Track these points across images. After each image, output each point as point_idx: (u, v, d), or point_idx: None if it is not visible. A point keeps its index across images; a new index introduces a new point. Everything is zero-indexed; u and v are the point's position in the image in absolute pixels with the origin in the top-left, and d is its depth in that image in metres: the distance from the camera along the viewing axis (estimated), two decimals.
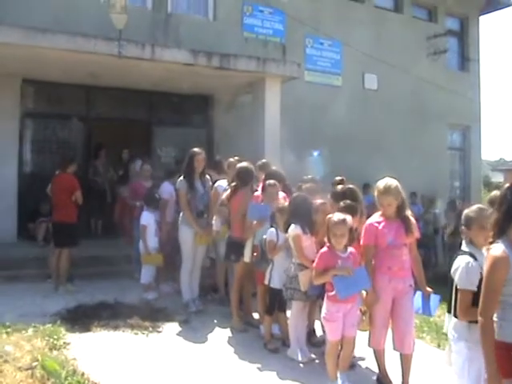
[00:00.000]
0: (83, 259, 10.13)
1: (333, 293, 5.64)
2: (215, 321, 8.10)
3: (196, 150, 8.69)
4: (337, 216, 5.78)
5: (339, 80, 16.64)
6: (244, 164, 8.14)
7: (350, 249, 5.84)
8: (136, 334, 7.34)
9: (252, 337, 7.49)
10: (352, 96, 16.47)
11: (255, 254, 7.37)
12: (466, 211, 4.60)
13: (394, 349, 5.91)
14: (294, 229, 6.61)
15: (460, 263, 4.34)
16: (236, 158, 9.11)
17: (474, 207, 4.60)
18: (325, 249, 5.83)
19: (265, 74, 12.27)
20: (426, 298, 5.82)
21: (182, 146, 13.07)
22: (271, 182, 7.54)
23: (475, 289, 4.14)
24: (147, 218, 9.39)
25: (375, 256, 5.86)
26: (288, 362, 6.57)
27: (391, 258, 5.77)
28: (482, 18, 20.46)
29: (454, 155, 19.90)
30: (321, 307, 6.14)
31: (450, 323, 4.60)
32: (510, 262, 3.60)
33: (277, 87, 12.67)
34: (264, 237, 7.15)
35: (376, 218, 5.95)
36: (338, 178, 8.56)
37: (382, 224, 5.83)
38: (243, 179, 7.94)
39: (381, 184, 5.91)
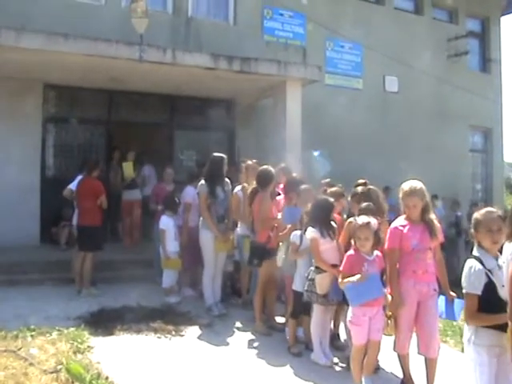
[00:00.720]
0: (105, 263, 10.16)
1: None
2: (238, 325, 8.13)
3: (221, 155, 8.74)
4: (361, 219, 5.77)
5: (360, 83, 16.59)
6: (264, 167, 8.16)
7: (376, 252, 5.83)
8: (159, 337, 7.36)
9: (275, 340, 7.48)
10: (373, 99, 16.45)
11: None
12: (474, 214, 4.56)
13: (419, 353, 5.86)
14: (311, 232, 6.65)
15: (466, 267, 4.36)
16: (254, 160, 9.14)
17: (483, 210, 4.54)
18: (351, 252, 5.82)
19: (286, 77, 12.25)
20: (449, 303, 5.78)
21: (203, 149, 13.12)
22: (306, 186, 7.61)
23: (479, 293, 4.20)
24: (166, 222, 9.41)
25: (400, 260, 5.81)
26: (311, 366, 6.56)
27: (416, 262, 5.73)
28: (504, 19, 20.31)
29: (475, 157, 19.70)
30: (346, 311, 6.14)
31: None
32: None
33: (298, 90, 12.64)
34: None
35: (400, 221, 5.91)
36: (361, 181, 8.56)
37: (407, 227, 5.79)
38: (263, 182, 7.97)
39: (406, 185, 5.88)
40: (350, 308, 5.75)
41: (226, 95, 14.09)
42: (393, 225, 5.93)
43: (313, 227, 6.66)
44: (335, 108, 15.22)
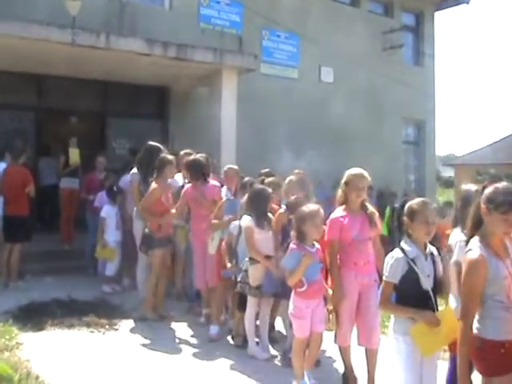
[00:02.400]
0: (34, 254, 9.78)
1: (302, 289, 5.42)
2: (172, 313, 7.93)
3: (158, 144, 8.61)
4: (310, 206, 5.56)
5: (295, 73, 16.51)
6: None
7: (317, 245, 5.65)
8: (92, 332, 7.10)
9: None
10: (308, 89, 16.39)
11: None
12: (409, 203, 4.48)
13: (359, 344, 5.77)
14: (246, 220, 6.50)
15: (389, 255, 4.36)
16: (187, 151, 8.96)
17: (418, 200, 4.45)
18: (293, 245, 5.54)
19: (222, 65, 12.07)
20: None
21: (136, 137, 12.80)
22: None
23: (395, 281, 4.23)
24: (107, 211, 9.22)
25: (340, 251, 5.69)
26: (250, 360, 6.40)
27: (357, 253, 5.62)
28: (438, 14, 20.62)
29: (408, 149, 19.99)
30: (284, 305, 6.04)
31: None
32: (488, 263, 3.54)
33: (233, 79, 12.51)
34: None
35: (339, 212, 5.77)
36: (264, 171, 8.57)
37: (347, 218, 5.66)
38: (158, 169, 7.89)
39: (355, 170, 5.75)
40: (292, 300, 5.57)
41: (160, 82, 13.81)
42: (332, 216, 5.79)
43: (249, 216, 6.51)
44: (271, 98, 15.22)
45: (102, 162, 11.02)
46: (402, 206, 4.55)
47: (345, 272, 5.63)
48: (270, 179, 7.73)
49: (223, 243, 7.10)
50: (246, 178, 7.80)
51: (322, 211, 5.50)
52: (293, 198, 6.43)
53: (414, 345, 4.13)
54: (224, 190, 8.22)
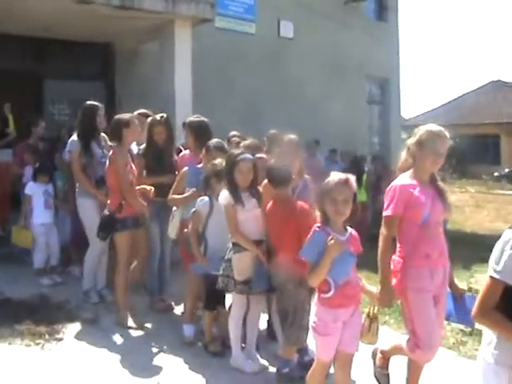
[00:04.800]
0: None
1: (329, 294, 3.88)
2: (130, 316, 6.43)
3: (94, 103, 7.08)
4: (336, 175, 3.97)
5: (253, 27, 14.99)
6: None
7: (350, 229, 4.07)
8: (28, 345, 5.52)
9: (175, 338, 5.85)
10: (267, 45, 14.94)
11: (186, 230, 5.71)
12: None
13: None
14: (223, 196, 5.03)
15: (503, 241, 2.81)
16: (142, 111, 7.50)
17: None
18: (316, 229, 3.93)
19: (174, 15, 10.47)
20: (458, 300, 4.31)
21: (78, 102, 11.12)
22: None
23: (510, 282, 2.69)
24: (33, 188, 7.82)
25: (401, 237, 4.20)
26: (235, 374, 5.02)
27: (430, 240, 4.11)
28: None
29: (372, 109, 18.80)
30: None
31: None
32: None
33: (187, 32, 10.93)
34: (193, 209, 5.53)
35: (407, 179, 4.20)
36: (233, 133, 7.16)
37: (417, 190, 4.14)
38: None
39: (432, 126, 4.21)
40: (313, 309, 4.07)
41: (103, 38, 12.16)
42: (397, 182, 4.20)
43: (227, 190, 5.05)
44: (226, 54, 13.85)
45: (42, 128, 9.46)
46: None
47: (414, 269, 4.12)
48: (248, 141, 6.28)
49: (189, 226, 5.59)
50: (214, 140, 6.27)
51: (350, 182, 3.91)
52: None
53: None
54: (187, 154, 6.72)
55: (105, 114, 7.33)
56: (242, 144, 6.16)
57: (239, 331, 5.20)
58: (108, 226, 6.18)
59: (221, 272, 5.08)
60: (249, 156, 5.11)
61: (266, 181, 5.16)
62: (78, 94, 11.72)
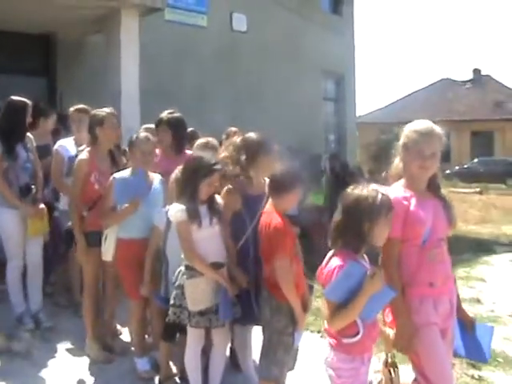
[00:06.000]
0: None
1: (356, 338, 3.11)
2: (70, 345, 5.60)
3: (22, 99, 6.12)
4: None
5: (204, 19, 14.18)
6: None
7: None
8: None
9: (126, 370, 5.05)
10: (219, 39, 14.22)
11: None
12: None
13: None
14: (177, 211, 4.16)
15: None
16: (80, 106, 6.74)
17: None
18: (339, 259, 3.14)
19: (119, 2, 9.61)
20: (468, 331, 3.62)
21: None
22: (144, 135, 5.12)
23: None
24: None
25: (401, 262, 3.46)
26: None
27: (432, 265, 3.40)
28: None
29: (328, 106, 18.32)
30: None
31: None
32: None
33: (134, 22, 10.04)
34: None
35: (400, 190, 3.51)
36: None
37: (413, 202, 3.44)
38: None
39: (417, 123, 3.53)
40: (332, 358, 3.21)
41: (43, 29, 11.19)
42: (391, 194, 3.36)
43: (181, 203, 4.19)
44: (175, 49, 13.07)
45: None
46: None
47: (416, 301, 3.41)
48: (203, 140, 5.49)
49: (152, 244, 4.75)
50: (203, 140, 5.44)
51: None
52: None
53: None
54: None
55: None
56: (196, 143, 5.40)
57: (198, 370, 4.39)
58: (67, 240, 5.43)
59: (171, 301, 4.24)
60: (220, 165, 4.32)
61: (225, 189, 4.40)
62: (14, 91, 10.76)
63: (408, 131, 3.48)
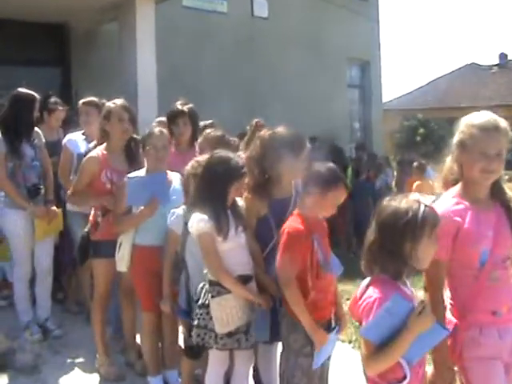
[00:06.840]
0: None
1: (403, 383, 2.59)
2: (81, 358, 5.17)
3: (30, 92, 5.71)
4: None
5: (224, 5, 13.79)
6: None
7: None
8: None
9: None
10: (239, 25, 13.81)
11: None
12: None
13: None
14: (198, 222, 3.64)
15: None
16: (91, 99, 6.40)
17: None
18: (375, 291, 2.63)
19: None
20: None
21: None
22: (158, 129, 4.62)
23: None
24: None
25: (452, 287, 3.01)
26: None
27: (495, 291, 2.86)
28: None
29: (353, 93, 17.74)
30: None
31: None
32: None
33: (150, 10, 9.74)
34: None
35: (450, 202, 2.97)
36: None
37: (468, 216, 2.90)
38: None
39: (479, 117, 2.92)
40: None
41: (56, 18, 10.86)
42: (437, 206, 2.80)
43: (201, 212, 3.64)
44: (194, 36, 12.59)
45: None
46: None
47: (472, 329, 2.90)
48: (217, 133, 5.03)
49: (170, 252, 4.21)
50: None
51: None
52: None
53: None
54: None
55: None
56: (205, 135, 4.95)
57: None
58: (83, 248, 4.90)
59: (195, 322, 3.72)
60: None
61: (248, 192, 3.92)
62: (29, 82, 10.49)
63: (465, 126, 2.91)
